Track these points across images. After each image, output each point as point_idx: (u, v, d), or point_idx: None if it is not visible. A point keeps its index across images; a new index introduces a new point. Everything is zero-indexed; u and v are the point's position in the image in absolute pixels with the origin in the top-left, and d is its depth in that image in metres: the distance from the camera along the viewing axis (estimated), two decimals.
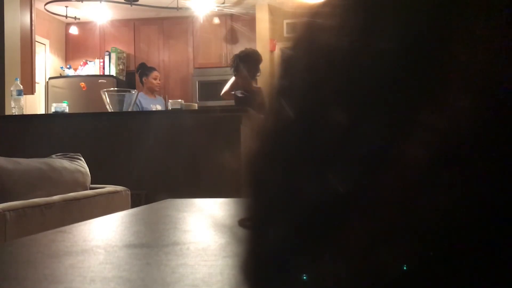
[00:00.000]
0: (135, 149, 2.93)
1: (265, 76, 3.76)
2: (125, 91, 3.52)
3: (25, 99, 3.69)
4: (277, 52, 6.16)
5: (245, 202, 0.27)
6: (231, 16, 6.46)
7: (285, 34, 6.12)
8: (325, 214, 0.22)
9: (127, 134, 3.02)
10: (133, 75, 6.29)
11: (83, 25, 6.79)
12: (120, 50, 6.82)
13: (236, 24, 6.51)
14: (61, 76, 6.57)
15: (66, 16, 6.36)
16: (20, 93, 3.47)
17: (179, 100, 3.60)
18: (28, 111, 4.45)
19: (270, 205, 0.26)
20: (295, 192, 0.24)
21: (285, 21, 6.12)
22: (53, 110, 3.42)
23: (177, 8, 5.70)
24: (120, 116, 3.20)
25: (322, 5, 0.27)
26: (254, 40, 6.20)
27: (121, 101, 3.32)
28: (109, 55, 6.76)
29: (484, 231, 0.20)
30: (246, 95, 3.67)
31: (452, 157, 0.20)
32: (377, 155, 0.21)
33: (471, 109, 0.20)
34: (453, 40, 0.21)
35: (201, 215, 0.91)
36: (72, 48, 7.02)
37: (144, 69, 4.74)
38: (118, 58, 6.76)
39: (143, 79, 4.66)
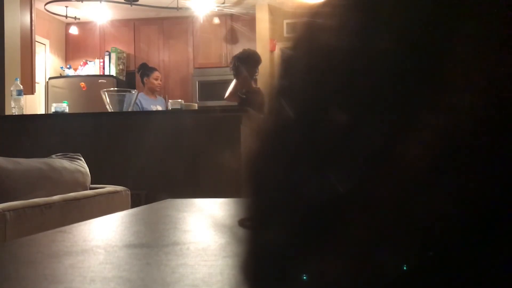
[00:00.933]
0: (135, 149, 2.93)
1: (265, 76, 3.76)
2: (125, 91, 3.52)
3: (25, 99, 3.69)
4: (277, 52, 6.15)
5: (245, 202, 0.27)
6: (231, 16, 6.46)
7: (285, 34, 6.12)
8: (325, 214, 0.22)
9: (127, 134, 3.02)
10: (133, 75, 6.28)
11: (83, 25, 6.78)
12: (120, 50, 6.82)
13: (236, 24, 6.51)
14: (61, 76, 6.57)
15: (66, 16, 6.35)
16: (20, 93, 3.47)
17: (179, 100, 3.59)
18: (28, 111, 4.45)
19: (270, 205, 0.26)
20: (295, 192, 0.24)
21: (285, 21, 6.11)
22: (53, 110, 3.42)
23: (177, 8, 5.70)
24: (120, 116, 3.20)
25: (322, 5, 0.27)
26: (254, 40, 6.20)
27: (121, 101, 3.32)
28: (109, 55, 6.76)
29: (484, 231, 0.20)
30: (248, 96, 3.68)
31: (452, 157, 0.20)
32: (377, 155, 0.21)
33: (471, 109, 0.20)
34: (453, 40, 0.21)
35: (201, 215, 0.91)
36: (72, 48, 7.02)
37: (145, 70, 4.74)
38: (118, 58, 6.76)
39: (144, 79, 4.65)
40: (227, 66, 6.42)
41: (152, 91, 4.64)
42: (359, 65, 0.23)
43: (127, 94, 3.41)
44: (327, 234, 0.22)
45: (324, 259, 0.22)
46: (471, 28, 0.21)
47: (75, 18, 6.45)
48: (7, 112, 3.88)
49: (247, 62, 3.70)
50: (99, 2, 5.70)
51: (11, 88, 3.51)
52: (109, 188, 1.97)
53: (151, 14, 6.42)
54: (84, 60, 6.85)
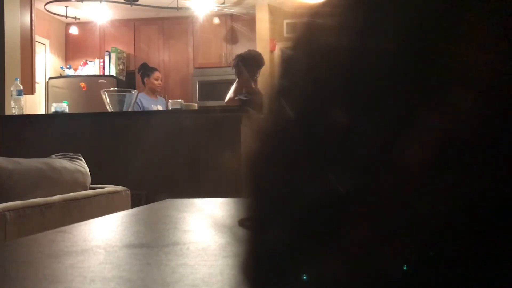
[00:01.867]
0: (135, 149, 2.93)
1: (265, 76, 3.77)
2: (125, 91, 3.51)
3: (25, 99, 3.69)
4: (277, 52, 6.15)
5: (245, 202, 0.27)
6: (231, 16, 6.46)
7: (285, 34, 6.12)
8: (325, 214, 0.22)
9: (127, 134, 3.02)
10: (133, 75, 6.28)
11: (83, 25, 6.79)
12: (120, 50, 6.82)
13: (236, 24, 6.51)
14: (61, 76, 6.57)
15: (66, 16, 6.35)
16: (20, 93, 3.47)
17: (179, 100, 3.59)
18: (28, 111, 4.45)
19: (270, 205, 0.26)
20: (295, 192, 0.24)
21: (285, 21, 6.12)
22: (53, 110, 3.42)
23: (177, 8, 5.70)
24: (120, 116, 3.20)
25: (322, 5, 0.27)
26: (254, 40, 6.20)
27: (121, 101, 3.32)
28: (109, 55, 6.76)
29: (484, 231, 0.20)
30: (249, 98, 3.68)
31: (452, 158, 0.20)
32: (377, 155, 0.21)
33: (471, 110, 0.20)
34: (453, 40, 0.21)
35: (201, 215, 0.91)
36: (72, 48, 7.02)
37: (146, 70, 4.73)
38: (118, 58, 6.76)
39: (145, 79, 4.65)
40: (227, 66, 6.43)
41: (153, 91, 4.64)
42: (359, 65, 0.23)
43: (127, 94, 3.41)
44: (327, 234, 0.22)
45: (324, 259, 0.22)
46: (471, 28, 0.21)
47: (75, 18, 6.45)
48: (7, 112, 3.88)
49: (250, 63, 3.70)
50: (99, 2, 5.70)
51: (11, 88, 3.51)
52: (109, 188, 1.97)
53: (151, 14, 6.42)
54: (84, 60, 6.85)
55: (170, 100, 3.78)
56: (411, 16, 0.22)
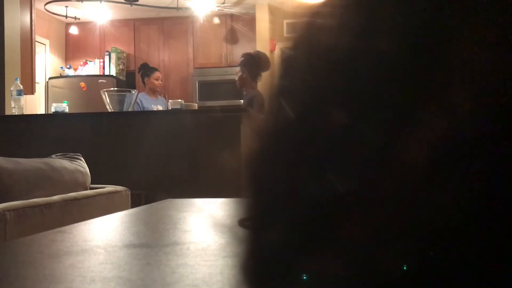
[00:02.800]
0: (135, 149, 2.93)
1: (265, 76, 3.78)
2: (125, 91, 3.51)
3: (25, 99, 3.69)
4: (277, 52, 6.15)
5: (245, 202, 0.27)
6: (231, 16, 6.46)
7: (285, 34, 6.12)
8: (325, 214, 0.22)
9: (127, 134, 3.02)
10: (133, 75, 6.29)
11: (83, 25, 6.79)
12: (120, 50, 6.82)
13: (236, 24, 6.51)
14: (61, 76, 6.57)
15: (66, 16, 6.35)
16: (20, 93, 3.47)
17: (179, 100, 3.60)
18: (28, 111, 4.45)
19: (270, 205, 0.26)
20: (295, 192, 0.24)
21: (285, 21, 6.12)
22: (53, 110, 3.42)
23: (177, 8, 5.70)
24: (120, 116, 3.20)
25: (322, 5, 0.27)
26: (254, 40, 6.21)
27: (121, 101, 3.32)
28: (109, 55, 6.76)
29: (484, 231, 0.20)
30: (248, 97, 3.71)
31: (452, 157, 0.20)
32: (376, 155, 0.21)
33: (471, 109, 0.20)
34: (453, 40, 0.21)
35: (201, 215, 0.91)
36: (72, 48, 7.02)
37: (146, 70, 4.73)
38: (118, 58, 6.76)
39: (145, 79, 4.65)
40: (227, 66, 6.44)
41: (153, 91, 4.64)
42: (359, 65, 0.23)
43: (127, 94, 3.41)
44: (327, 234, 0.22)
45: (324, 259, 0.22)
46: (471, 28, 0.21)
47: (75, 18, 6.45)
48: (7, 112, 3.88)
49: (255, 63, 3.72)
50: (99, 2, 5.70)
51: (11, 88, 3.51)
52: (109, 188, 1.97)
53: (151, 14, 6.42)
54: (84, 60, 6.85)
55: (170, 100, 3.78)
56: (411, 16, 0.22)
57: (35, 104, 5.91)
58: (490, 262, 0.20)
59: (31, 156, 1.77)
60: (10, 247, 0.67)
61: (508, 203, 0.20)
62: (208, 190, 2.51)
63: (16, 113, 3.44)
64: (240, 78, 3.76)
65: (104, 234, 0.74)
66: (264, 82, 3.85)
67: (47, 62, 6.57)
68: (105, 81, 6.11)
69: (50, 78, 6.40)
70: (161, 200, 1.12)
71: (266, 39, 6.15)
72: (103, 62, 6.79)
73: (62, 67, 6.83)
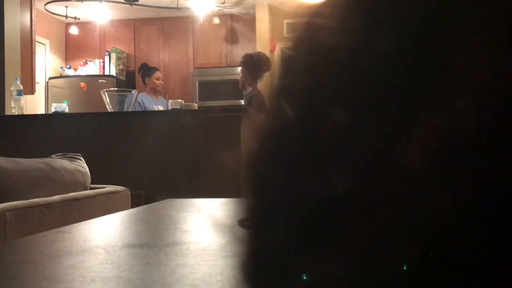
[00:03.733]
0: (135, 149, 2.93)
1: (265, 76, 3.78)
2: (125, 91, 3.52)
3: (25, 99, 3.69)
4: (277, 52, 6.15)
5: (245, 202, 0.27)
6: (231, 16, 6.46)
7: (285, 34, 6.12)
8: (325, 214, 0.22)
9: (127, 134, 3.02)
10: (133, 75, 6.29)
11: (83, 25, 6.79)
12: (120, 50, 6.82)
13: (236, 24, 6.51)
14: (61, 76, 6.57)
15: (66, 16, 6.35)
16: (20, 93, 3.47)
17: (179, 100, 3.60)
18: (28, 111, 4.45)
19: (270, 205, 0.26)
20: (295, 192, 0.24)
21: (285, 21, 6.12)
22: (53, 110, 3.42)
23: (177, 8, 5.70)
24: (120, 116, 3.20)
25: (322, 5, 0.27)
26: (254, 40, 6.21)
27: (121, 101, 3.32)
28: (109, 55, 6.76)
29: (484, 231, 0.20)
30: (248, 97, 3.72)
31: (452, 157, 0.20)
32: (377, 155, 0.21)
33: (471, 109, 0.20)
34: (453, 40, 0.21)
35: (201, 215, 0.91)
36: (72, 48, 7.02)
37: (146, 70, 4.73)
38: (118, 58, 6.76)
39: (146, 79, 4.65)
40: (227, 66, 6.44)
41: (155, 91, 4.64)
42: (359, 65, 0.23)
43: (127, 94, 3.41)
44: (327, 234, 0.22)
45: (324, 259, 0.22)
46: (471, 28, 0.21)
47: (75, 18, 6.45)
48: (7, 112, 3.88)
49: (255, 63, 3.72)
50: (99, 2, 5.70)
51: (11, 88, 3.51)
52: (109, 188, 1.97)
53: (151, 14, 6.42)
54: (84, 60, 6.85)
55: (170, 100, 3.78)
56: (411, 16, 0.22)
57: (35, 104, 5.91)
58: (490, 262, 0.20)
59: (31, 156, 1.77)
60: (10, 247, 0.67)
61: (508, 203, 0.20)
62: (208, 190, 2.51)
63: (16, 113, 3.44)
64: (241, 79, 3.77)
65: (104, 234, 0.74)
66: (264, 82, 3.86)
67: (47, 62, 6.57)
68: (105, 81, 6.11)
69: (50, 78, 6.40)
70: (161, 200, 1.12)
71: (266, 39, 6.15)
72: (103, 62, 6.79)
73: (62, 67, 6.83)
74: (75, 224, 0.77)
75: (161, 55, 6.82)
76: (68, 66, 6.86)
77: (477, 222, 0.20)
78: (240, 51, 5.21)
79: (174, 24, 6.70)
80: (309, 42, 0.27)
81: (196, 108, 3.72)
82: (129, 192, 2.07)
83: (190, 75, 6.63)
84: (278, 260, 0.24)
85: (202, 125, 2.94)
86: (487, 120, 0.20)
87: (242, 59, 3.82)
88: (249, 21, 6.35)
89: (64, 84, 6.24)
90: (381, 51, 0.22)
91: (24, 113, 3.58)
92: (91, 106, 4.83)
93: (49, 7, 6.01)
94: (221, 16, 6.40)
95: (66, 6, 6.19)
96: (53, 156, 1.92)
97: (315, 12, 0.27)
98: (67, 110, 3.47)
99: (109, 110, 3.31)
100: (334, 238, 0.22)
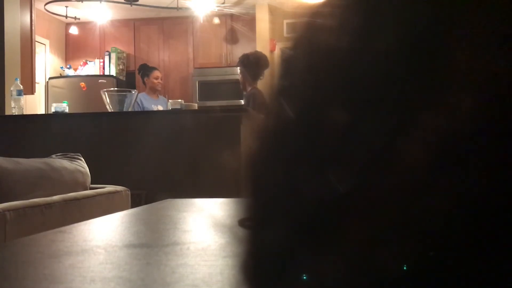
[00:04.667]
0: (135, 149, 2.93)
1: (265, 76, 3.79)
2: (125, 91, 3.52)
3: (25, 99, 3.69)
4: (277, 52, 6.15)
5: (245, 202, 0.27)
6: (231, 16, 6.46)
7: (285, 34, 6.12)
8: (325, 214, 0.22)
9: (127, 134, 3.02)
10: (133, 75, 6.28)
11: (83, 25, 6.79)
12: (120, 50, 6.82)
13: (236, 24, 6.51)
14: (61, 76, 6.57)
15: (66, 16, 6.35)
16: (20, 93, 3.47)
17: (179, 100, 3.60)
18: (28, 111, 4.45)
19: (270, 205, 0.26)
20: (295, 192, 0.24)
21: (285, 21, 6.12)
22: (53, 110, 3.42)
23: (177, 8, 5.70)
24: (120, 116, 3.20)
25: (322, 5, 0.27)
26: (254, 40, 6.21)
27: (121, 101, 3.32)
28: (109, 55, 6.76)
29: (484, 231, 0.20)
30: (245, 95, 3.73)
31: (452, 157, 0.20)
32: (377, 155, 0.21)
33: (471, 109, 0.20)
34: (453, 40, 0.21)
35: (201, 215, 0.91)
36: (72, 48, 7.02)
37: (145, 70, 4.74)
38: (118, 58, 6.76)
39: (145, 79, 4.65)
40: (227, 66, 6.44)
41: (154, 91, 4.64)
42: (359, 65, 0.23)
43: (127, 94, 3.41)
44: (327, 234, 0.22)
45: (324, 259, 0.22)
46: (471, 28, 0.21)
47: (75, 18, 6.45)
48: (7, 112, 3.88)
49: (252, 63, 3.73)
50: (99, 2, 5.70)
51: (11, 88, 3.51)
52: (109, 188, 1.97)
53: (151, 14, 6.42)
54: (84, 60, 6.85)
55: (170, 100, 3.78)
56: (411, 16, 0.22)
57: (35, 104, 5.91)
58: (490, 262, 0.20)
59: (31, 156, 1.76)
60: (10, 247, 0.67)
61: (508, 203, 0.20)
62: (208, 190, 2.51)
63: (16, 113, 3.44)
64: (240, 79, 3.78)
65: (104, 234, 0.74)
66: (264, 82, 3.86)
67: (47, 62, 6.57)
68: (105, 81, 6.11)
69: (50, 78, 6.40)
70: (161, 200, 1.12)
71: (266, 39, 6.15)
72: (103, 62, 6.79)
73: (62, 67, 6.83)
74: (75, 224, 0.77)
75: (161, 55, 6.82)
76: (68, 66, 6.86)
77: (477, 222, 0.20)
78: (240, 51, 5.21)
79: (174, 24, 6.70)
80: (309, 42, 0.27)
81: (196, 108, 3.72)
82: (129, 192, 2.07)
83: (190, 75, 6.63)
84: (278, 260, 0.24)
85: (202, 125, 2.94)
86: (487, 120, 0.20)
87: (239, 59, 3.83)
88: (249, 21, 6.35)
89: (64, 84, 6.24)
90: (381, 51, 0.22)
91: (24, 113, 3.58)
92: (91, 106, 4.83)
93: (49, 7, 6.01)
94: (221, 16, 6.40)
95: (66, 6, 6.19)
96: (53, 156, 1.92)
97: (315, 12, 0.27)
98: (67, 110, 3.47)
99: (109, 110, 3.31)
100: (334, 238, 0.22)
